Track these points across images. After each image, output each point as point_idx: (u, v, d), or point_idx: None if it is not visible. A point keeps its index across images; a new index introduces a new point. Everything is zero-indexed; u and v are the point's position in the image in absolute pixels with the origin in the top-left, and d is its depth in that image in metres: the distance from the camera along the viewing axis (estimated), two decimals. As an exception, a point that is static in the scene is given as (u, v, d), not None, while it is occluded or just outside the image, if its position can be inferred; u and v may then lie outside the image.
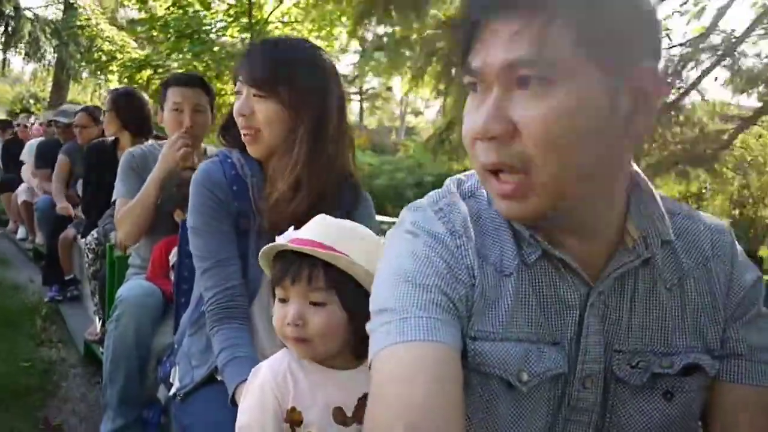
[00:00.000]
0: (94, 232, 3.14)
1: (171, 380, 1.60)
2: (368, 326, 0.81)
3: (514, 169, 0.74)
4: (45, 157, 5.35)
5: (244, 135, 1.45)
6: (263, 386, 1.07)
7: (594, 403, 0.84)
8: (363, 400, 1.07)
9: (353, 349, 1.09)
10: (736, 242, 0.89)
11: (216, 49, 8.79)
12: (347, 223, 1.13)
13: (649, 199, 0.84)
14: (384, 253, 0.86)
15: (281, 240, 1.09)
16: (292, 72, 1.42)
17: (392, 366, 0.73)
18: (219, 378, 1.42)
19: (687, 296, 0.85)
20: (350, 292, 1.05)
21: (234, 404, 1.28)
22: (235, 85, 1.49)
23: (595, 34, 0.70)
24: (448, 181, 0.91)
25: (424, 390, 0.69)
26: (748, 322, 0.86)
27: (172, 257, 2.25)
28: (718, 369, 0.84)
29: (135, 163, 2.43)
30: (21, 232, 6.52)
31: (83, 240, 3.34)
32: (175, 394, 1.53)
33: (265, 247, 1.12)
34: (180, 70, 8.20)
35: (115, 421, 2.13)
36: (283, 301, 1.08)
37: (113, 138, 3.29)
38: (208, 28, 8.96)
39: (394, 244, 0.85)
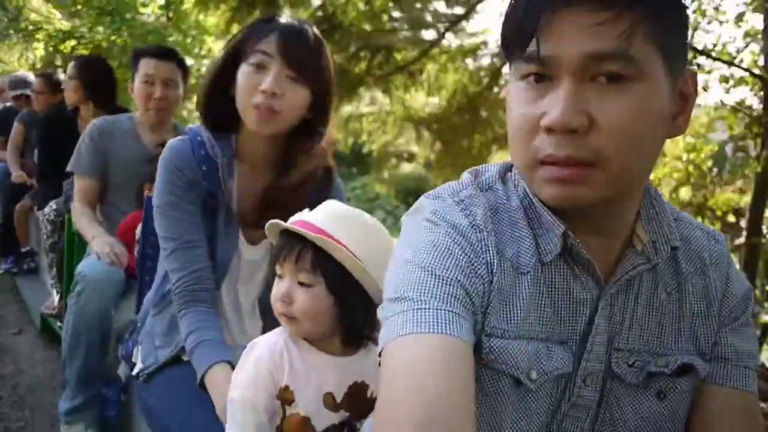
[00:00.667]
0: (52, 203, 3.05)
1: (133, 359, 1.57)
2: (380, 313, 0.79)
3: (584, 162, 0.72)
4: (2, 124, 5.15)
5: (264, 111, 1.36)
6: (258, 362, 1.07)
7: (592, 399, 0.85)
8: (353, 387, 1.08)
9: (342, 335, 1.09)
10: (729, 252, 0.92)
11: (136, 25, 9.29)
12: (348, 209, 1.13)
13: (657, 204, 0.86)
14: (401, 240, 0.84)
15: (291, 219, 1.11)
16: (326, 61, 1.42)
17: (407, 356, 0.71)
18: (185, 358, 1.40)
19: (685, 301, 0.87)
20: (337, 276, 1.05)
21: (202, 387, 1.26)
22: (243, 54, 1.40)
23: (669, 37, 0.72)
24: (465, 173, 0.90)
25: (438, 383, 0.68)
26: (736, 329, 0.88)
27: (138, 232, 2.20)
28: (707, 372, 0.87)
29: (98, 137, 2.37)
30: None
31: (41, 211, 3.24)
32: (138, 375, 1.50)
33: (267, 224, 1.13)
34: (103, 44, 8.72)
35: (74, 399, 2.09)
36: (280, 277, 1.09)
37: (73, 107, 3.18)
38: (128, 5, 9.51)
39: (412, 232, 0.83)
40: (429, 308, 0.73)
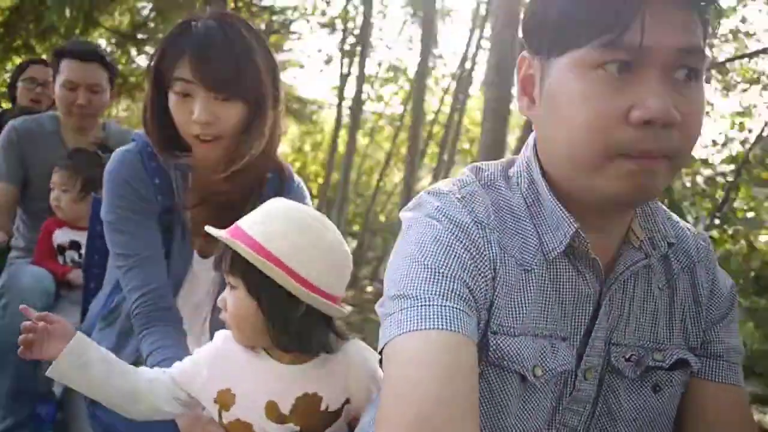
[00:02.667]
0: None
1: None
2: (380, 309, 0.79)
3: (666, 156, 0.73)
4: None
5: (204, 141, 1.29)
6: (199, 357, 1.07)
7: (591, 393, 0.86)
8: (303, 399, 1.03)
9: (274, 341, 1.02)
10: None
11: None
12: (281, 206, 1.06)
13: (652, 202, 0.88)
14: (402, 237, 0.83)
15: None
16: (254, 66, 1.30)
17: (410, 353, 0.71)
18: None
19: (675, 297, 0.90)
20: (256, 278, 0.98)
21: None
22: (166, 80, 1.29)
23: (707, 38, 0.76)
24: (465, 169, 0.90)
25: (440, 380, 0.68)
26: (725, 326, 0.92)
27: (57, 238, 2.07)
28: (699, 367, 0.90)
29: (18, 139, 2.17)
30: None
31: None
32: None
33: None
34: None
35: (5, 420, 1.91)
36: None
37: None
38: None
39: (414, 229, 0.82)
40: (432, 305, 0.73)
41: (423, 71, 9.25)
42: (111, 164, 1.35)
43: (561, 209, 0.81)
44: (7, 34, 7.14)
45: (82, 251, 2.03)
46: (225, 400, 1.02)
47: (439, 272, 0.76)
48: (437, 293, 0.74)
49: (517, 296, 0.80)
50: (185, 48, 1.26)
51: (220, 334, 1.08)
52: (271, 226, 1.00)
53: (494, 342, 0.79)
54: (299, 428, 1.03)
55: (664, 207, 0.94)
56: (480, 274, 0.78)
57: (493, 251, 0.80)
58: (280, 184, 1.47)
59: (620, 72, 0.72)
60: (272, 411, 1.01)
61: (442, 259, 0.76)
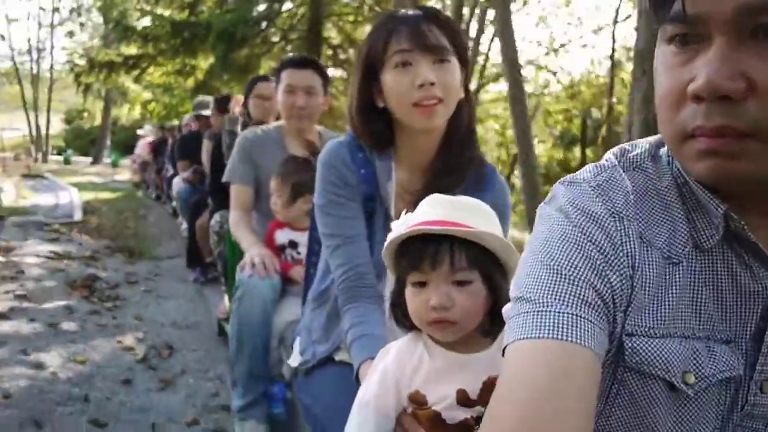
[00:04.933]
0: (217, 215, 3.29)
1: (292, 349, 1.63)
2: (505, 312, 0.75)
3: (738, 132, 0.63)
4: (185, 149, 5.70)
5: (427, 106, 1.37)
6: (386, 372, 1.07)
7: None
8: (488, 383, 1.03)
9: (484, 327, 1.06)
10: None
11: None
12: (467, 199, 1.10)
13: None
14: (533, 233, 0.78)
15: (402, 226, 1.06)
16: (460, 36, 1.41)
17: (521, 363, 0.67)
18: (337, 358, 1.45)
19: None
20: (491, 266, 1.04)
21: (358, 381, 1.26)
22: (380, 63, 1.41)
23: None
24: (609, 152, 0.82)
25: (548, 396, 0.62)
26: None
27: (277, 238, 2.30)
28: None
29: (249, 146, 2.51)
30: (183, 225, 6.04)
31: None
32: (297, 370, 1.55)
33: (394, 236, 1.06)
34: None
35: (245, 397, 2.20)
36: (421, 284, 1.04)
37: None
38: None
39: (544, 224, 0.76)
40: (550, 311, 0.67)
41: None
42: (322, 154, 1.50)
43: (703, 190, 0.70)
44: (204, 86, 12.73)
45: (299, 249, 2.25)
46: (418, 399, 1.06)
47: (561, 274, 0.69)
48: (557, 298, 0.68)
49: (660, 293, 0.71)
50: (397, 26, 1.38)
51: (391, 347, 1.11)
52: (478, 216, 1.06)
53: (630, 345, 0.70)
54: (485, 410, 1.04)
55: None
56: (614, 273, 0.70)
57: (632, 244, 0.71)
58: (481, 175, 1.49)
59: (684, 44, 0.66)
60: (462, 398, 1.04)
61: (568, 259, 0.70)
